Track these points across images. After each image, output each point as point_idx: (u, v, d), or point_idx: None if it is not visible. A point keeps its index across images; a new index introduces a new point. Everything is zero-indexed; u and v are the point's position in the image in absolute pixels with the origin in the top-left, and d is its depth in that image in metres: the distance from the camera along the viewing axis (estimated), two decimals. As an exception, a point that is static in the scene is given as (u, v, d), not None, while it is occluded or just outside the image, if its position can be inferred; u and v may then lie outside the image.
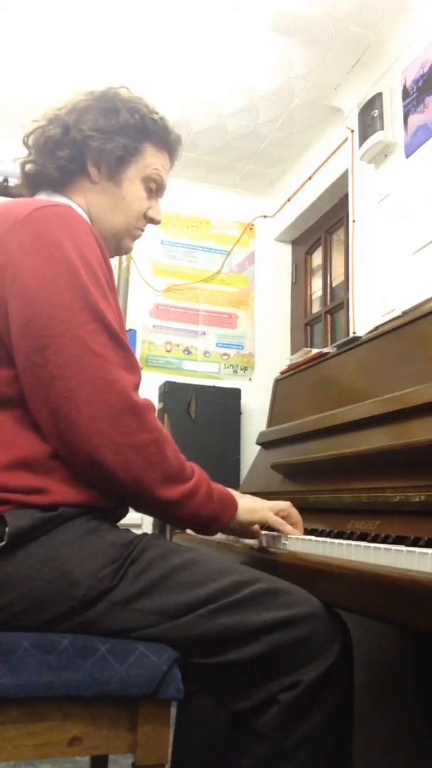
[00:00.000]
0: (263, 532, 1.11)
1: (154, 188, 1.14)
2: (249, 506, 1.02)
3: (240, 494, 1.04)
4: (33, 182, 1.10)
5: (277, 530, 1.06)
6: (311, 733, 0.83)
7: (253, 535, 1.10)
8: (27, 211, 0.93)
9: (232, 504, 0.99)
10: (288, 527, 1.05)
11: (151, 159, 1.11)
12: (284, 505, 1.07)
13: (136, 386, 0.91)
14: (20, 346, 0.89)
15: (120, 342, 0.91)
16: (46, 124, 1.08)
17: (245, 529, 1.07)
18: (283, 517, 1.06)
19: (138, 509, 1.02)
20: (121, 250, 1.16)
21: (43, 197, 1.07)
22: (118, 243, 1.14)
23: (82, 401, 0.85)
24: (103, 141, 1.06)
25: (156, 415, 0.93)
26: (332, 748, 0.85)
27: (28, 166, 1.09)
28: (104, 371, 0.87)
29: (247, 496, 1.05)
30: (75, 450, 0.87)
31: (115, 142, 1.07)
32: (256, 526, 1.09)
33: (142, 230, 1.16)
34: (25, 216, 0.92)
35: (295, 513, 1.08)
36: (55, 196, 1.07)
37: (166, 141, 1.14)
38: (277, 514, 1.05)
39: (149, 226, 1.17)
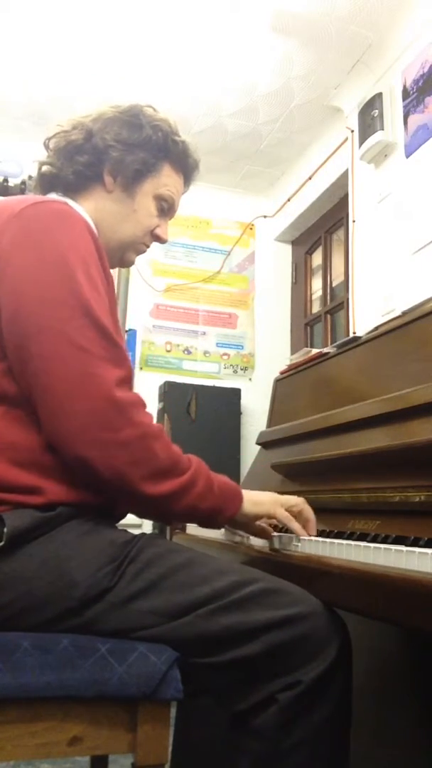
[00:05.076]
0: (275, 533, 1.08)
1: (165, 208, 1.14)
2: (255, 499, 1.00)
3: (249, 491, 1.02)
4: (47, 183, 1.10)
5: (285, 527, 1.03)
6: (310, 733, 0.83)
7: (263, 533, 1.08)
8: (21, 206, 0.93)
9: (237, 496, 0.98)
10: (295, 524, 1.02)
11: (167, 179, 1.13)
12: (296, 500, 1.04)
13: (123, 380, 0.89)
14: (9, 339, 0.89)
15: (108, 336, 0.90)
16: (70, 129, 1.09)
17: (253, 525, 1.05)
18: (294, 514, 1.03)
19: (130, 509, 1.01)
20: (124, 262, 1.16)
21: (51, 197, 1.07)
22: (122, 254, 1.14)
23: (64, 396, 0.85)
24: (123, 152, 1.07)
25: (145, 409, 0.92)
26: (331, 748, 0.85)
27: (44, 168, 1.10)
28: (87, 365, 0.86)
29: (259, 492, 1.03)
30: (61, 445, 0.86)
31: (135, 155, 1.08)
32: (267, 526, 1.07)
33: (147, 246, 1.17)
34: (19, 211, 0.93)
35: (307, 510, 1.04)
36: (64, 197, 1.07)
37: (184, 164, 1.15)
38: (288, 509, 1.02)
39: None
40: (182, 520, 1.03)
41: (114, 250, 1.11)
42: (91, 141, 1.07)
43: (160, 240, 1.16)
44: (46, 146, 1.11)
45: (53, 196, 1.08)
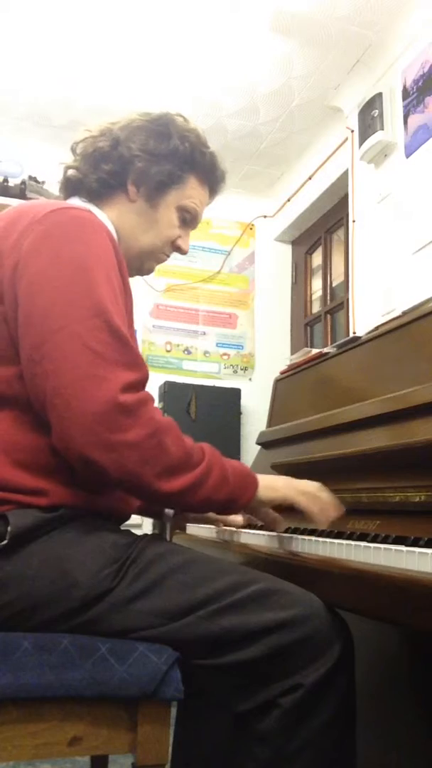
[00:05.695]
0: (285, 534, 1.07)
1: (188, 219, 1.14)
2: (270, 484, 0.98)
3: (264, 475, 0.99)
4: (71, 188, 1.10)
5: (303, 512, 1.00)
6: (314, 736, 0.83)
7: (274, 522, 1.05)
8: (44, 212, 0.93)
9: (252, 482, 0.96)
10: (315, 510, 0.99)
11: (191, 191, 1.12)
12: (313, 487, 1.01)
13: (133, 384, 0.87)
14: (22, 342, 0.89)
15: (122, 339, 0.89)
16: (98, 135, 1.08)
17: (266, 512, 1.03)
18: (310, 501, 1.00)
19: (144, 506, 1.01)
20: (144, 270, 1.16)
21: (74, 202, 1.07)
22: (142, 263, 1.14)
23: (72, 397, 0.84)
24: (149, 163, 1.07)
25: (153, 404, 0.90)
26: (335, 749, 0.85)
27: (70, 172, 1.10)
28: (96, 368, 0.85)
29: (275, 476, 1.02)
30: (67, 448, 0.85)
31: (160, 166, 1.07)
32: (278, 516, 1.05)
33: (168, 256, 1.16)
34: (42, 216, 0.93)
35: (325, 497, 1.01)
36: (87, 204, 1.07)
37: (210, 176, 1.15)
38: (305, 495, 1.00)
39: None
40: (197, 511, 1.03)
41: (134, 259, 1.11)
42: (117, 149, 1.06)
43: (181, 251, 1.16)
44: (74, 150, 1.11)
45: (76, 201, 1.08)
